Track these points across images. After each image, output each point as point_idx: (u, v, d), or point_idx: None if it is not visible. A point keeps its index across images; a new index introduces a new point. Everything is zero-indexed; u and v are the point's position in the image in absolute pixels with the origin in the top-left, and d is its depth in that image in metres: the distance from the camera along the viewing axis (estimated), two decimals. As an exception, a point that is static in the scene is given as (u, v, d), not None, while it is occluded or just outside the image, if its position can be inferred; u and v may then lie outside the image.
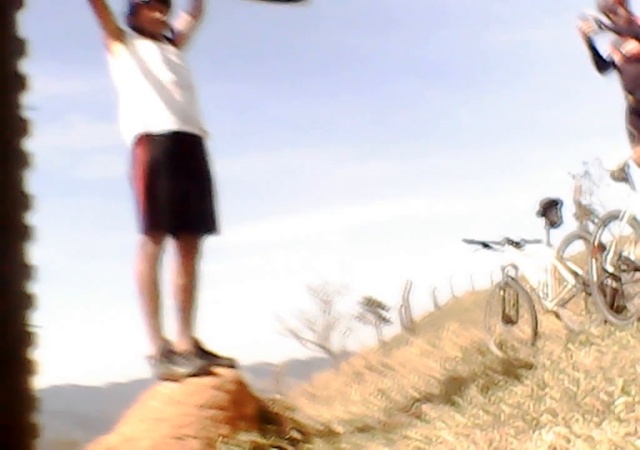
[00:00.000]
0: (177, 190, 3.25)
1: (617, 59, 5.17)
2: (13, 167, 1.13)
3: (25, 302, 1.16)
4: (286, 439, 2.97)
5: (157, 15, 3.44)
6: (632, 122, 5.15)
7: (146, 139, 3.26)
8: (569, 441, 1.97)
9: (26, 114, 1.16)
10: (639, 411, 2.09)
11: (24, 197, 1.15)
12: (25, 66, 1.16)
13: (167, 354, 3.15)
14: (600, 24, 4.96)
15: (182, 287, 3.28)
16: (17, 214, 1.14)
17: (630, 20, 5.09)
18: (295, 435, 3.06)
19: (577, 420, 2.19)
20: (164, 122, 3.29)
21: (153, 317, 3.20)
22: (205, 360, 3.15)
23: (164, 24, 3.51)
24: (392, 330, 23.48)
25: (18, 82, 1.15)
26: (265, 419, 3.13)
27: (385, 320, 26.89)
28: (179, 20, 3.64)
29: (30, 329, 1.17)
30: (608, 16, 5.12)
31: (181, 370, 3.08)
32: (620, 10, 5.08)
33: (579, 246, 5.31)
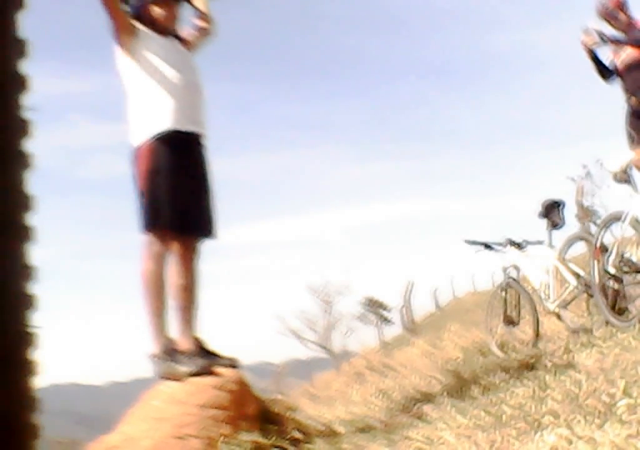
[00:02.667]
0: (182, 190, 3.24)
1: (618, 63, 5.17)
2: (13, 167, 1.13)
3: (25, 302, 1.16)
4: (287, 439, 2.97)
5: (168, 10, 3.41)
6: (632, 124, 5.15)
7: (154, 138, 3.24)
8: (570, 443, 1.96)
9: (26, 114, 1.16)
10: (640, 413, 2.08)
11: (24, 198, 1.15)
12: (26, 66, 1.16)
13: (170, 352, 3.15)
14: (602, 37, 4.96)
15: (183, 287, 3.27)
16: (17, 214, 1.14)
17: (631, 24, 5.08)
18: (297, 435, 3.06)
19: (579, 421, 2.18)
20: (173, 122, 3.26)
21: (157, 316, 3.20)
22: (207, 359, 3.15)
23: (175, 20, 3.48)
24: (393, 330, 23.53)
25: (18, 83, 1.15)
26: (267, 418, 3.13)
27: (386, 320, 26.89)
28: (186, 31, 3.59)
29: (30, 329, 1.17)
30: (608, 21, 5.12)
31: (183, 369, 3.08)
32: (621, 15, 5.08)
33: (580, 248, 5.30)
